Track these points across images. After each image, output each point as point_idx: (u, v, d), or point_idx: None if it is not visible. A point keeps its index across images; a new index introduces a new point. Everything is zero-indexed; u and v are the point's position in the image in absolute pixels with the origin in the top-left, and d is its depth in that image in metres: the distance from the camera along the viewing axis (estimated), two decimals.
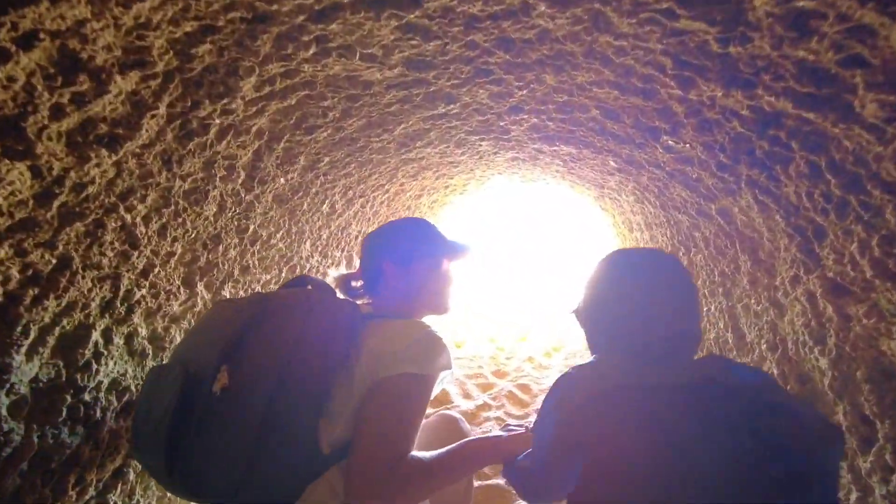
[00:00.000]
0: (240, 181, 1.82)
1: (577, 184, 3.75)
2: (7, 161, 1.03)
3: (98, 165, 1.22)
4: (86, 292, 1.35)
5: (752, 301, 1.91)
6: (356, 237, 3.39)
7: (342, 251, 3.24)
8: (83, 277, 1.33)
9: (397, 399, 1.15)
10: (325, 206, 2.62)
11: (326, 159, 2.21)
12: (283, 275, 2.48)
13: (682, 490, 0.85)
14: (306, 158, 2.09)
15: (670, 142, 1.69)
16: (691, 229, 2.33)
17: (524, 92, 1.70)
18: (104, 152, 1.22)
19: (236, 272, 2.05)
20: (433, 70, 1.55)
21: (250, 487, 1.07)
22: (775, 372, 1.78)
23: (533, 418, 3.54)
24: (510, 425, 1.54)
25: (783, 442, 0.86)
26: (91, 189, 1.25)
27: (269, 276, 2.35)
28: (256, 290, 2.25)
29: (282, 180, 2.06)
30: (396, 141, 2.36)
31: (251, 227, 2.04)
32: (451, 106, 1.94)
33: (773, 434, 0.87)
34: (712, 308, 2.34)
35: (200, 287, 1.84)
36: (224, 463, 1.05)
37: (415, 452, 1.16)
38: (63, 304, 1.30)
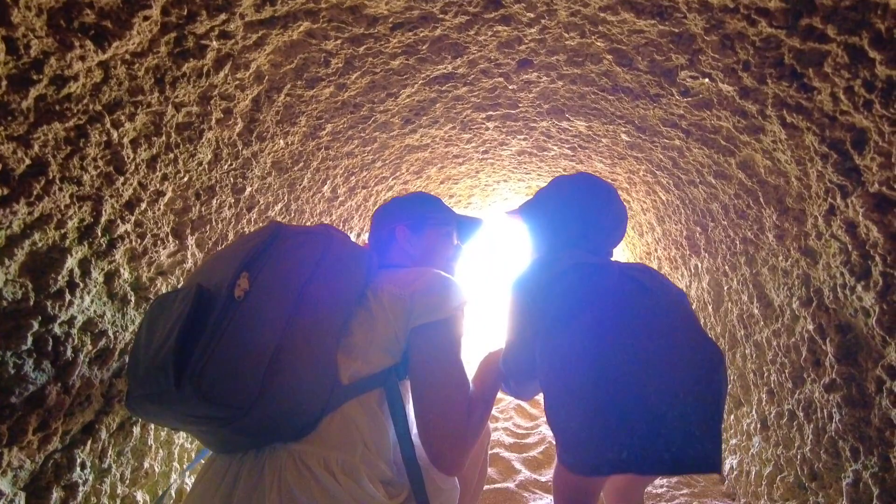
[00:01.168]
0: (237, 130, 1.73)
1: None
2: None
3: (83, 59, 1.14)
4: (62, 208, 1.24)
5: (780, 259, 1.79)
6: (358, 235, 3.29)
7: None
8: (60, 189, 1.22)
9: (448, 348, 1.16)
10: (326, 187, 2.54)
11: (328, 127, 2.14)
12: None
13: (639, 341, 1.06)
14: (307, 121, 2.02)
15: (688, 79, 1.61)
16: (708, 201, 2.23)
17: (534, 31, 1.64)
18: (90, 45, 1.14)
19: (230, 235, 1.94)
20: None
21: (266, 403, 0.98)
22: (811, 328, 1.64)
23: (541, 428, 3.34)
24: None
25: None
26: (74, 87, 1.16)
27: None
28: None
29: (281, 142, 1.99)
30: (401, 114, 2.30)
31: (248, 189, 1.94)
32: (458, 62, 1.89)
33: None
34: (734, 284, 2.21)
35: (191, 241, 1.72)
36: (241, 370, 0.95)
37: None
38: (36, 215, 1.18)
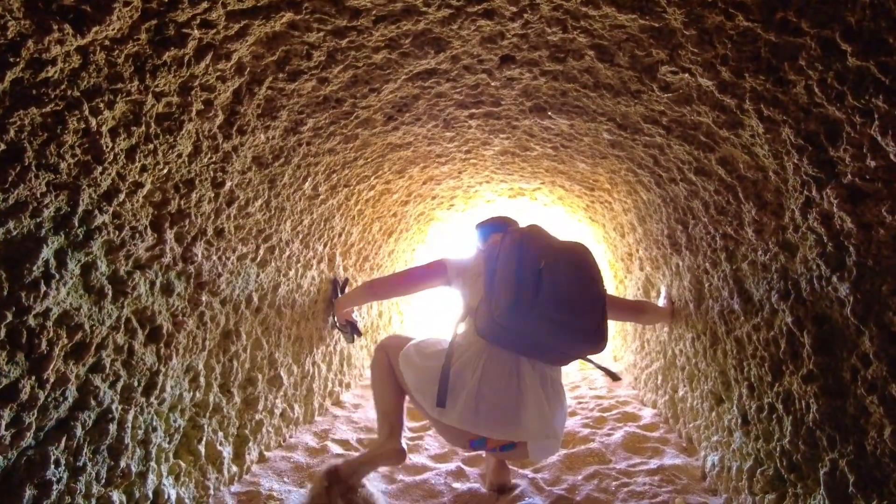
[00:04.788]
0: (217, 123, 1.72)
1: (566, 191, 3.71)
2: None
3: (61, 43, 1.12)
4: (38, 196, 1.21)
5: (759, 253, 1.82)
6: (339, 234, 3.27)
7: (325, 246, 3.10)
8: (37, 177, 1.19)
9: None
10: (307, 184, 2.52)
11: (310, 122, 2.12)
12: (261, 252, 2.34)
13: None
14: (288, 116, 2.01)
15: (668, 74, 1.64)
16: (689, 199, 2.26)
17: (516, 25, 1.65)
18: (68, 29, 1.12)
19: (210, 231, 1.91)
20: None
21: None
22: (789, 320, 1.66)
23: None
24: None
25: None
26: (52, 72, 1.14)
27: (246, 249, 2.20)
28: (232, 259, 2.10)
29: (262, 136, 1.97)
30: (383, 111, 2.30)
31: (228, 184, 1.92)
32: (441, 57, 1.89)
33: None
34: (714, 281, 2.24)
35: (170, 235, 1.70)
36: None
37: None
38: (11, 203, 1.15)
